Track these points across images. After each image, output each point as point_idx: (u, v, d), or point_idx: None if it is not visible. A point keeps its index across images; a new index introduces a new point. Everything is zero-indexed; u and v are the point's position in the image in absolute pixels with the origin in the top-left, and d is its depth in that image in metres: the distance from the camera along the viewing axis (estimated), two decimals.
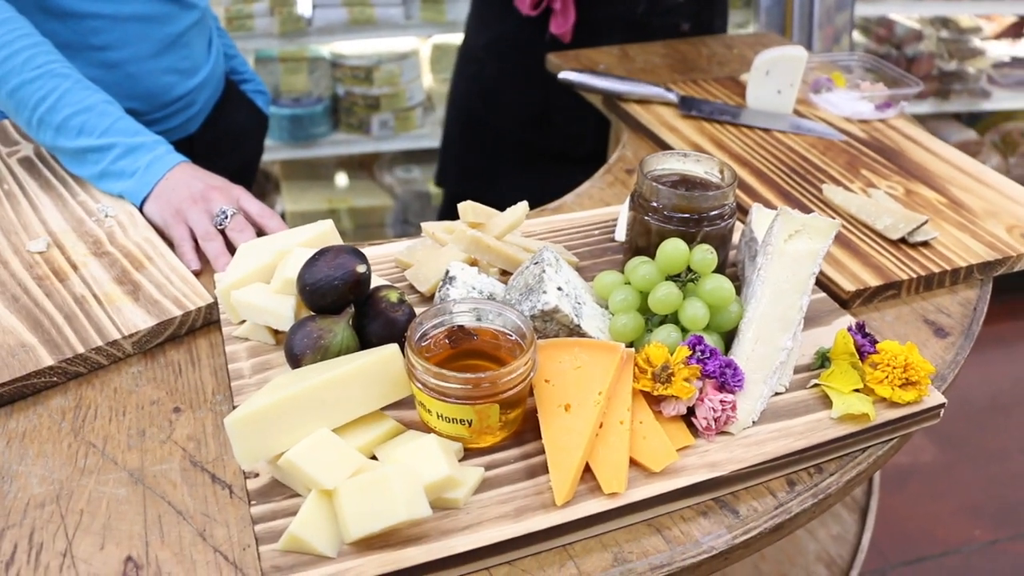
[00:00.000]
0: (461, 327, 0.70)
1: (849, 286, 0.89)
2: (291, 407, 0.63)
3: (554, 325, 0.73)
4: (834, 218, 1.00)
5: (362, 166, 2.64)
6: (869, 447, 0.73)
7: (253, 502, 0.63)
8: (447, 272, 0.77)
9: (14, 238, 0.90)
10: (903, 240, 0.96)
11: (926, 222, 0.96)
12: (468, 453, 0.67)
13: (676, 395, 0.68)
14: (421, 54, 2.44)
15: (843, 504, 1.27)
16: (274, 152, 2.29)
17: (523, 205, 0.85)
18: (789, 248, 0.77)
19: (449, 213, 1.80)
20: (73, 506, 0.65)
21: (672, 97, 1.24)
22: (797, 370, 0.77)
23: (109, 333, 0.78)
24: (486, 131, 1.65)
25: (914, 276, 0.91)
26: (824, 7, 2.10)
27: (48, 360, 0.74)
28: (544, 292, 0.72)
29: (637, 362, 0.70)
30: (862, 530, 1.22)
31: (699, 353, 0.70)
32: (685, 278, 0.75)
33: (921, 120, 2.75)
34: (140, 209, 0.96)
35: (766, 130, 1.19)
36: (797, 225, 0.78)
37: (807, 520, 0.70)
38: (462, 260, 0.82)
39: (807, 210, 1.01)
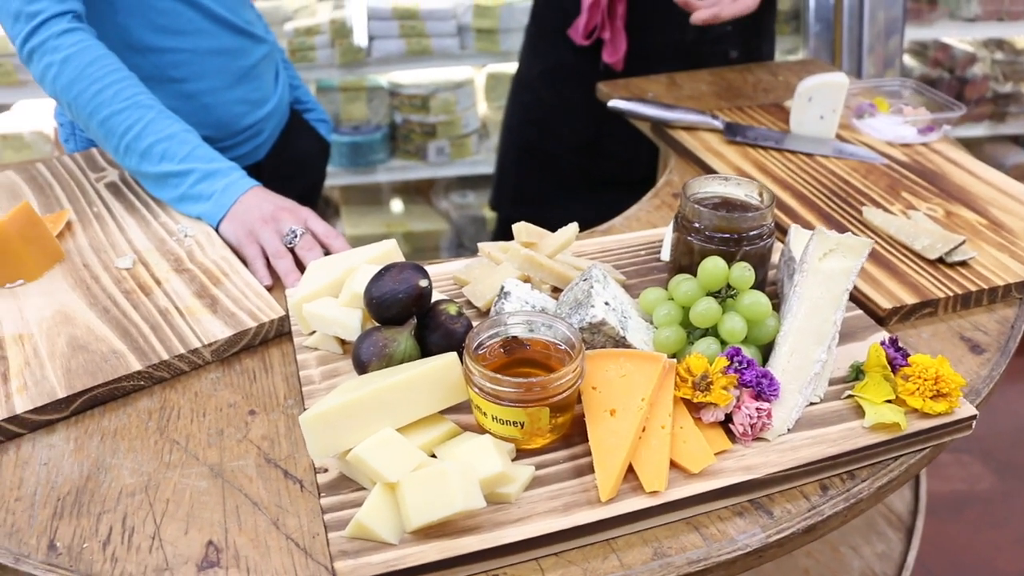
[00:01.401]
0: (515, 337, 0.76)
1: (886, 304, 0.93)
2: (359, 408, 0.69)
3: (601, 337, 0.79)
4: (872, 239, 1.04)
5: (419, 191, 2.74)
6: (901, 456, 0.77)
7: (323, 494, 0.69)
8: (502, 288, 0.84)
9: (103, 256, 0.99)
10: (941, 260, 1.00)
11: (964, 242, 1.00)
12: (520, 454, 0.73)
13: (715, 402, 0.73)
14: (476, 83, 2.54)
15: (888, 522, 1.29)
16: (334, 178, 2.40)
17: (573, 226, 0.92)
18: (824, 266, 0.82)
19: (503, 236, 1.87)
20: (160, 495, 0.72)
21: (718, 124, 1.29)
22: (832, 382, 0.81)
23: (190, 342, 0.86)
24: (540, 157, 1.72)
25: (951, 295, 0.95)
26: (873, 32, 2.14)
27: (136, 365, 0.83)
28: (592, 306, 0.78)
29: (678, 372, 0.76)
30: (907, 549, 1.24)
31: (737, 363, 0.76)
32: (725, 294, 0.81)
33: (976, 143, 2.76)
34: (216, 230, 1.05)
35: (809, 155, 1.24)
36: (831, 244, 0.83)
37: (839, 523, 0.74)
38: (516, 277, 0.89)
39: (846, 231, 1.06)
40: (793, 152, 1.24)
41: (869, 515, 1.33)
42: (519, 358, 0.75)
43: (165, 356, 0.84)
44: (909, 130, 1.28)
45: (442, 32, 2.23)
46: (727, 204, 0.90)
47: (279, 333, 0.91)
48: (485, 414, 0.72)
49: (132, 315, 0.90)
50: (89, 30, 1.08)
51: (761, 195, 0.88)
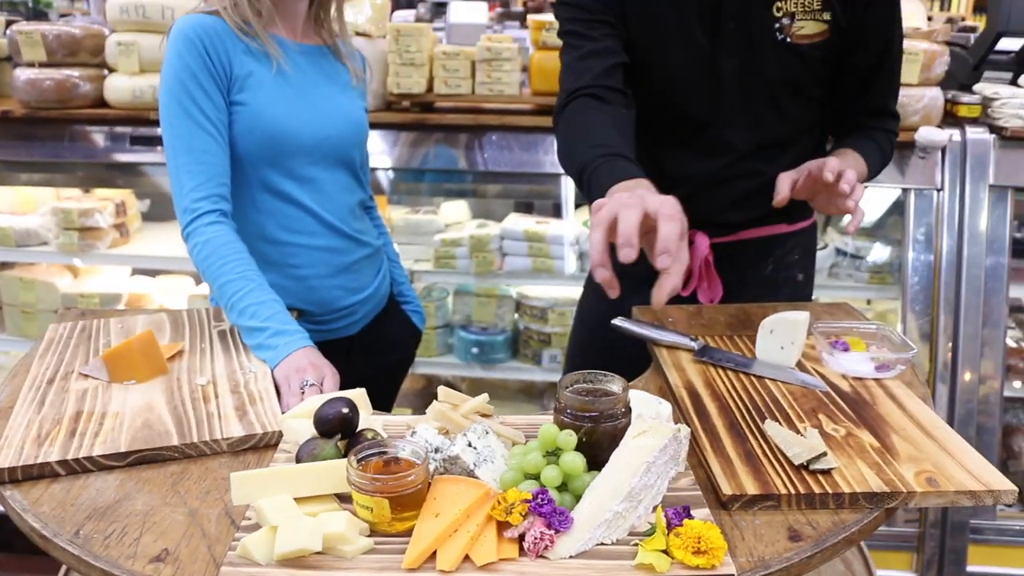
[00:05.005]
0: (396, 458, 1.17)
1: (727, 490, 1.22)
2: (273, 479, 1.14)
3: (457, 468, 1.18)
4: (762, 446, 1.34)
5: (542, 394, 3.20)
6: None
7: (240, 532, 1.13)
8: (413, 429, 1.26)
9: (192, 374, 1.55)
10: (804, 466, 1.27)
11: (825, 454, 1.27)
12: (376, 534, 1.12)
13: (511, 522, 1.09)
14: None
15: None
16: (460, 370, 2.95)
17: (483, 396, 1.33)
18: (634, 442, 1.16)
19: None
20: (152, 519, 1.19)
21: (694, 345, 1.64)
22: (636, 534, 1.12)
23: (216, 435, 1.35)
24: (593, 364, 2.12)
25: (792, 492, 1.21)
26: (972, 288, 2.35)
27: (175, 442, 1.33)
28: (454, 445, 1.18)
29: (498, 499, 1.12)
30: None
31: (539, 500, 1.11)
32: (556, 453, 1.17)
33: None
34: (272, 372, 1.57)
35: (760, 377, 1.55)
36: (645, 427, 1.17)
37: None
38: (435, 427, 1.31)
39: (744, 439, 1.36)
40: (747, 374, 1.56)
41: None
42: (393, 470, 1.16)
43: (195, 440, 1.34)
44: (867, 367, 1.55)
45: (563, 255, 2.76)
46: (601, 394, 1.26)
47: (279, 441, 1.38)
48: (353, 499, 1.13)
49: (190, 413, 1.42)
50: (230, 223, 1.70)
51: (622, 389, 1.25)
